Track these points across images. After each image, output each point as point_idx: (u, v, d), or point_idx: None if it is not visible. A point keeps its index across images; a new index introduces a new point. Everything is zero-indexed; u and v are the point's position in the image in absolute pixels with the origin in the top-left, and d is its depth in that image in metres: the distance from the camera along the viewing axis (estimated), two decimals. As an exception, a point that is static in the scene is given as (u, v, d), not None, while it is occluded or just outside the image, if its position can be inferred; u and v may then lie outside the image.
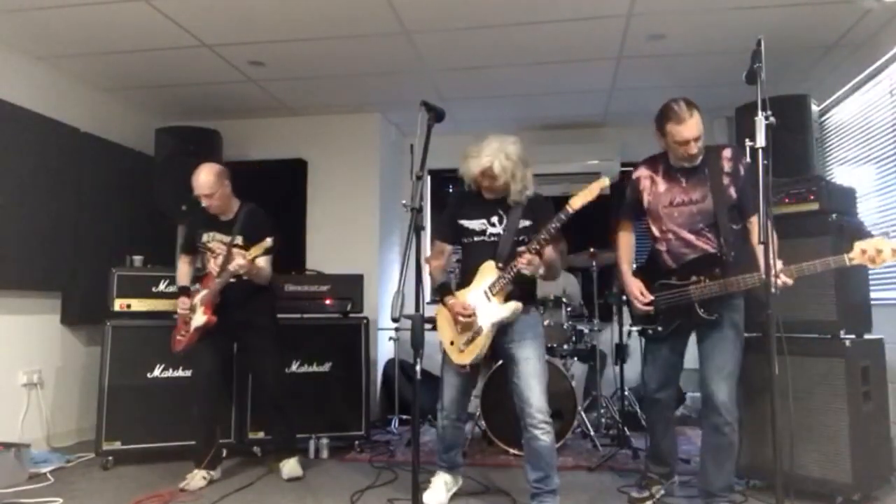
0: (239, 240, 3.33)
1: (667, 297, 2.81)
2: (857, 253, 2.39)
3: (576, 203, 2.61)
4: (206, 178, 3.29)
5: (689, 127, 2.65)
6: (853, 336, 3.00)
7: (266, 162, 5.41)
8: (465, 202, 2.97)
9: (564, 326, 4.27)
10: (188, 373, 3.89)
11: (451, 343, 2.91)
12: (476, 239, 2.93)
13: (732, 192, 2.72)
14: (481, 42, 4.03)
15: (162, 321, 3.97)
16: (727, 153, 2.75)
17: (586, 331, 4.48)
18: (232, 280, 3.28)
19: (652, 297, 2.83)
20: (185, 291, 3.44)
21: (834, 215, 3.03)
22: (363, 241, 5.38)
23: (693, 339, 2.89)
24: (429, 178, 6.03)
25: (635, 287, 2.88)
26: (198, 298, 3.36)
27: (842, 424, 2.89)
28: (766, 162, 2.23)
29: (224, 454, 3.58)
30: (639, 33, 3.88)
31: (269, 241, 3.13)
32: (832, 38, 3.94)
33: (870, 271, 3.33)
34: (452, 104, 5.09)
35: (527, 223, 2.88)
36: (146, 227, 4.91)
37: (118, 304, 3.91)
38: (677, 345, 2.91)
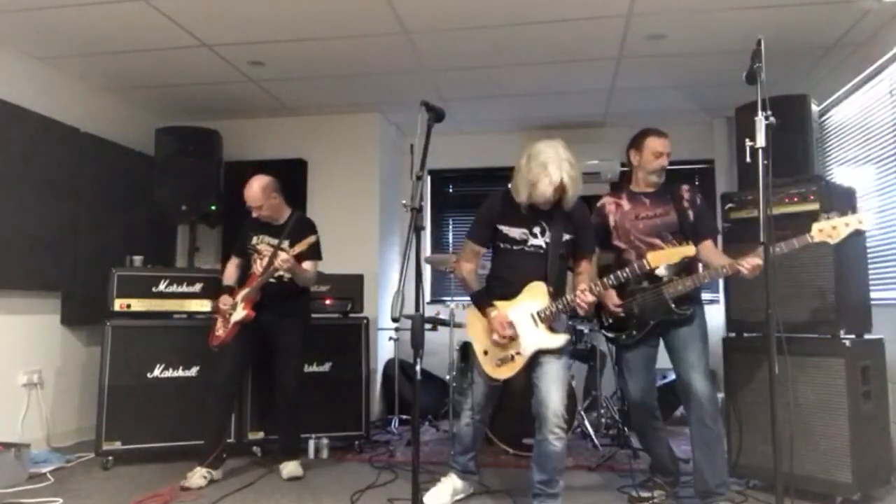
0: (286, 243, 3.48)
1: (639, 300, 2.94)
2: (816, 232, 2.59)
3: (654, 261, 2.67)
4: (254, 192, 3.50)
5: (665, 143, 3.03)
6: (853, 336, 3.00)
7: (266, 162, 5.40)
8: (507, 207, 2.87)
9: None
10: (189, 373, 3.90)
11: (485, 353, 2.88)
12: (515, 248, 2.85)
13: (691, 214, 2.97)
14: (481, 42, 4.03)
15: (162, 321, 3.98)
16: (686, 186, 3.06)
17: (586, 331, 4.49)
18: (272, 280, 3.44)
19: (620, 302, 2.96)
20: (228, 290, 3.58)
21: (834, 215, 3.03)
22: (363, 241, 5.38)
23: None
24: (429, 178, 6.04)
25: (607, 294, 2.97)
26: (240, 296, 3.50)
27: (842, 424, 2.89)
28: (766, 162, 2.24)
29: (225, 455, 3.58)
30: (639, 33, 3.88)
31: (312, 238, 3.40)
32: (832, 38, 3.94)
33: (870, 271, 3.35)
34: (452, 104, 5.09)
35: (569, 236, 2.85)
36: (146, 227, 4.91)
37: (118, 304, 3.91)
38: (650, 348, 3.02)
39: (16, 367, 4.05)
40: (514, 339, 2.77)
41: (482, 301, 2.87)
